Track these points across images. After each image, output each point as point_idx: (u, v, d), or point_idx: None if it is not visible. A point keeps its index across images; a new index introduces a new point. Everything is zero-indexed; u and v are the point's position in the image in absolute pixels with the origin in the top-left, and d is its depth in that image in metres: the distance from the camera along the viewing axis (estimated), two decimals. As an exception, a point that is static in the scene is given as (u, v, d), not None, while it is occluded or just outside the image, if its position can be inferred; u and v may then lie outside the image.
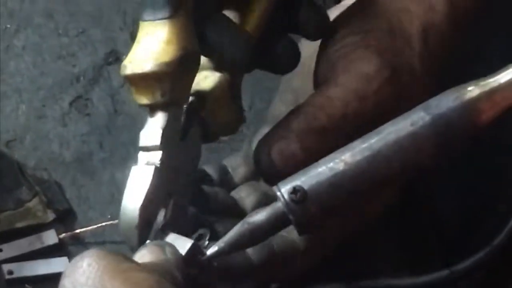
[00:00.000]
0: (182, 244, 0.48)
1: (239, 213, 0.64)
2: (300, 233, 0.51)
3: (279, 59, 0.62)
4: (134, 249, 0.53)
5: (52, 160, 0.83)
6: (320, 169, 0.51)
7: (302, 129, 0.56)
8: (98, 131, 0.85)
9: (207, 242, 0.51)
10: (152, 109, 0.54)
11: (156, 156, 0.52)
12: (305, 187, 0.50)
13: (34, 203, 0.79)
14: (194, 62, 0.55)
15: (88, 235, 0.78)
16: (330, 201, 0.50)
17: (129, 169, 0.51)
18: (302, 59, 0.66)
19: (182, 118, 0.55)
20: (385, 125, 0.52)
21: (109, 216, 0.79)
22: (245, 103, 0.86)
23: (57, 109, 0.86)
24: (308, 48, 0.65)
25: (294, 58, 0.62)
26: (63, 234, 0.78)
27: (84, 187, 0.82)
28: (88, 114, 0.86)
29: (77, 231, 0.78)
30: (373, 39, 0.59)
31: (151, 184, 0.51)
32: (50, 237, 0.77)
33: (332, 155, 0.51)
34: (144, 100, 0.54)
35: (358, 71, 0.57)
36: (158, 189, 0.52)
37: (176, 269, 0.44)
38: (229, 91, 0.59)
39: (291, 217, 0.50)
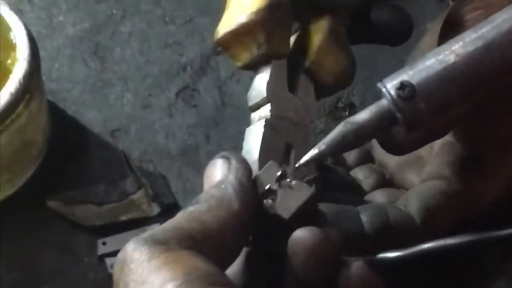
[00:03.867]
0: (303, 191, 0.43)
1: (362, 193, 0.64)
2: (408, 131, 0.47)
3: (379, 28, 0.60)
4: None
5: (157, 151, 0.81)
6: (428, 62, 0.49)
7: None
8: (205, 123, 0.83)
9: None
10: (253, 67, 0.53)
11: (266, 109, 0.51)
12: (413, 82, 0.48)
13: (138, 196, 0.77)
14: (286, 13, 0.53)
15: (194, 231, 0.75)
16: (440, 96, 0.48)
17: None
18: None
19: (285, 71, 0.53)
20: (497, 14, 0.49)
21: (215, 212, 0.77)
22: (357, 99, 0.83)
23: (163, 99, 0.84)
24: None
25: (399, 26, 0.60)
26: (168, 229, 0.75)
27: (189, 181, 0.80)
28: (195, 106, 0.84)
29: (183, 226, 0.75)
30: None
31: (264, 135, 0.49)
32: (155, 232, 0.75)
33: (441, 47, 0.48)
34: (242, 59, 0.53)
35: None
36: (274, 139, 0.51)
37: (235, 198, 0.39)
38: (332, 38, 0.56)
39: (398, 115, 0.48)
